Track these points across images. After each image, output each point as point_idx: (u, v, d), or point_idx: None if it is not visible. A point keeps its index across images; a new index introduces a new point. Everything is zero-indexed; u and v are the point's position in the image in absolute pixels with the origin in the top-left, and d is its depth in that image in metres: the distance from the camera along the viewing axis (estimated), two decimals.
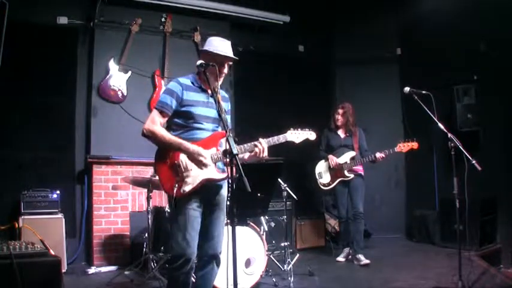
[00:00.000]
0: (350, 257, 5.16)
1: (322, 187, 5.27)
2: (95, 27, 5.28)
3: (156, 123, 2.77)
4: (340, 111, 5.24)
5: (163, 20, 5.62)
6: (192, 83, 2.87)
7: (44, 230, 4.08)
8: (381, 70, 6.88)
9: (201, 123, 2.82)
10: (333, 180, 5.16)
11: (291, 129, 2.98)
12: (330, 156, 5.15)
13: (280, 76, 6.52)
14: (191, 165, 2.73)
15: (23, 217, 4.38)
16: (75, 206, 5.15)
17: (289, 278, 4.20)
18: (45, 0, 5.11)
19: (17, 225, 3.99)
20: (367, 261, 4.89)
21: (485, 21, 5.42)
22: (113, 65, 5.28)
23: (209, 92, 2.84)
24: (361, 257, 4.95)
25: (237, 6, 5.99)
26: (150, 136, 2.77)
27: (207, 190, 2.79)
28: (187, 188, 2.70)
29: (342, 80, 7.06)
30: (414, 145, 4.87)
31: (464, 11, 5.59)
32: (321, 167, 5.29)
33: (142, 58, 5.49)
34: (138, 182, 4.46)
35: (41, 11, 5.07)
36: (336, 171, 5.13)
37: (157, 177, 3.03)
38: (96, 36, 5.31)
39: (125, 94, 5.34)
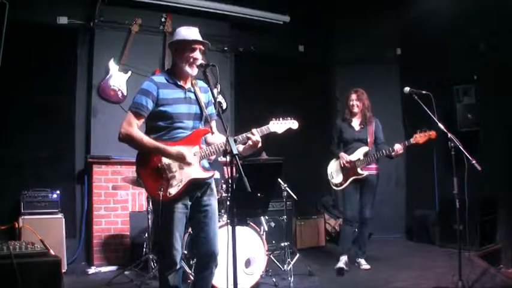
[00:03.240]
0: (346, 267, 4.69)
1: (334, 187, 4.90)
2: (95, 27, 5.27)
3: (132, 125, 2.66)
4: (354, 96, 4.85)
5: (163, 20, 5.62)
6: (167, 80, 2.76)
7: (44, 230, 4.07)
8: (381, 70, 6.88)
9: (182, 122, 2.72)
10: (345, 180, 4.75)
11: (273, 119, 2.90)
12: (341, 154, 4.76)
13: (280, 76, 6.52)
14: (175, 167, 2.67)
15: (23, 217, 4.38)
16: (75, 206, 5.15)
17: (289, 278, 4.21)
18: (45, 0, 5.11)
19: (17, 225, 3.99)
20: (368, 267, 4.75)
21: (485, 21, 5.42)
22: (113, 65, 5.28)
23: (186, 87, 2.79)
24: (362, 261, 4.82)
25: (237, 6, 5.98)
26: (127, 140, 2.68)
27: (195, 190, 2.75)
28: (173, 191, 2.65)
29: (342, 80, 7.05)
30: (432, 134, 4.44)
31: (464, 11, 5.59)
32: (332, 167, 4.91)
33: (142, 58, 5.48)
34: (138, 182, 4.45)
35: (41, 11, 5.07)
36: (348, 169, 4.72)
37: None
38: (96, 36, 5.31)
39: (125, 94, 5.34)
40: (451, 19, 5.74)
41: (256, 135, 2.73)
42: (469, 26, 5.55)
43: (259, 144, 2.74)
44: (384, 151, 4.62)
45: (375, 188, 4.80)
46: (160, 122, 2.72)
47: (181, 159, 2.64)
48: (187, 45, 2.73)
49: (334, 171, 4.87)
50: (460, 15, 5.64)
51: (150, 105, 2.69)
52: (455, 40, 5.80)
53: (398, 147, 4.54)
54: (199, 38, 2.77)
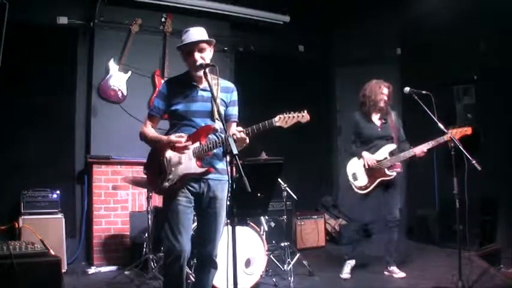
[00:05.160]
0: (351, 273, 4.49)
1: (358, 191, 4.38)
2: (95, 27, 5.28)
3: (146, 125, 2.89)
4: (388, 90, 4.44)
5: (163, 20, 5.62)
6: (181, 80, 2.87)
7: (44, 230, 4.08)
8: (381, 70, 6.85)
9: (191, 120, 2.78)
10: (371, 182, 4.30)
11: (284, 113, 2.71)
12: (364, 154, 4.33)
13: (280, 76, 6.52)
14: (174, 162, 2.72)
15: (23, 217, 4.38)
16: (75, 206, 5.15)
17: (289, 278, 4.21)
18: (45, 0, 5.11)
19: (17, 225, 3.99)
20: (403, 275, 4.36)
21: (485, 21, 5.42)
22: (113, 65, 5.28)
23: (200, 86, 2.83)
24: (395, 269, 4.42)
25: (237, 6, 5.99)
26: (141, 137, 2.89)
27: (193, 186, 2.75)
28: (167, 183, 2.72)
29: (342, 80, 7.05)
30: (468, 130, 3.95)
31: (464, 11, 5.58)
32: (354, 167, 4.42)
33: (142, 58, 5.49)
34: (138, 182, 4.46)
35: (41, 11, 5.07)
36: (373, 170, 4.30)
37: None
38: (96, 36, 5.32)
39: (125, 94, 5.35)
40: (451, 19, 5.73)
41: (238, 134, 2.63)
42: (469, 26, 5.55)
43: (246, 142, 2.69)
44: (407, 154, 4.20)
45: (399, 186, 4.48)
46: (173, 120, 2.86)
47: (173, 145, 2.70)
48: (185, 51, 2.81)
49: (357, 172, 4.39)
50: (460, 15, 5.63)
51: (161, 105, 2.85)
52: (455, 40, 5.79)
53: (419, 151, 4.15)
54: (192, 39, 2.76)
